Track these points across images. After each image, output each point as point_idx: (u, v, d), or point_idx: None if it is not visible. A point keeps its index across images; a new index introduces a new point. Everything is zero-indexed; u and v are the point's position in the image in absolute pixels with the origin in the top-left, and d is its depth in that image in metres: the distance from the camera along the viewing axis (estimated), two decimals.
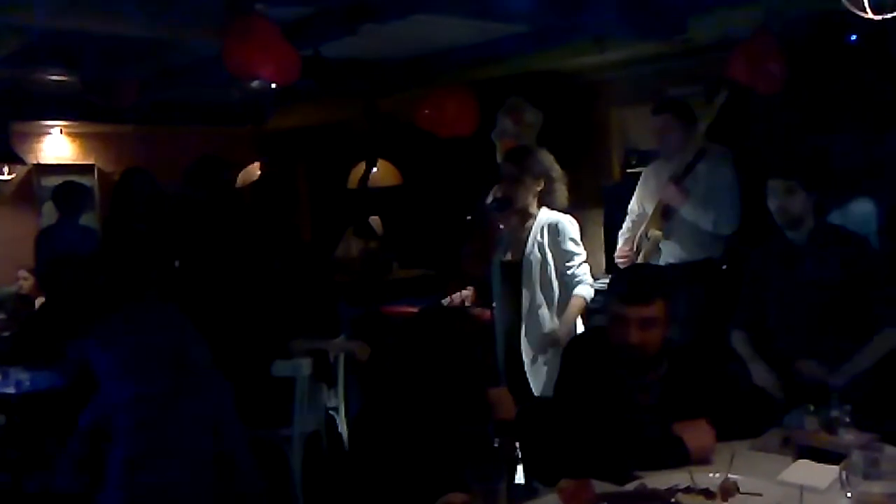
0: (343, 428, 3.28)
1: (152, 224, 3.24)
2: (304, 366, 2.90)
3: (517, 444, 1.72)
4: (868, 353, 2.24)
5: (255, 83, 2.91)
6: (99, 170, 5.59)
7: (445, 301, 3.24)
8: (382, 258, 4.67)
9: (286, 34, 2.78)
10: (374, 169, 4.98)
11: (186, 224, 3.18)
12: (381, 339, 3.45)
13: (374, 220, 4.88)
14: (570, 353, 2.04)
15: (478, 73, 4.04)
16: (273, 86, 3.00)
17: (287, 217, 3.34)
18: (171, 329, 2.17)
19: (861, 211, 3.17)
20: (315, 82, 3.34)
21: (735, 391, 1.97)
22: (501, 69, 4.00)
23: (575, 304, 2.78)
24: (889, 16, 1.94)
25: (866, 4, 1.93)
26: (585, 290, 2.77)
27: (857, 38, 3.04)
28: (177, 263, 3.12)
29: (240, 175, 3.95)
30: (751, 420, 1.88)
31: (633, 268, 2.31)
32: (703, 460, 1.70)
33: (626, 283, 1.91)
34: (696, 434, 1.73)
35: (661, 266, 2.63)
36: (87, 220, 4.78)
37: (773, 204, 2.37)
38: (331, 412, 3.29)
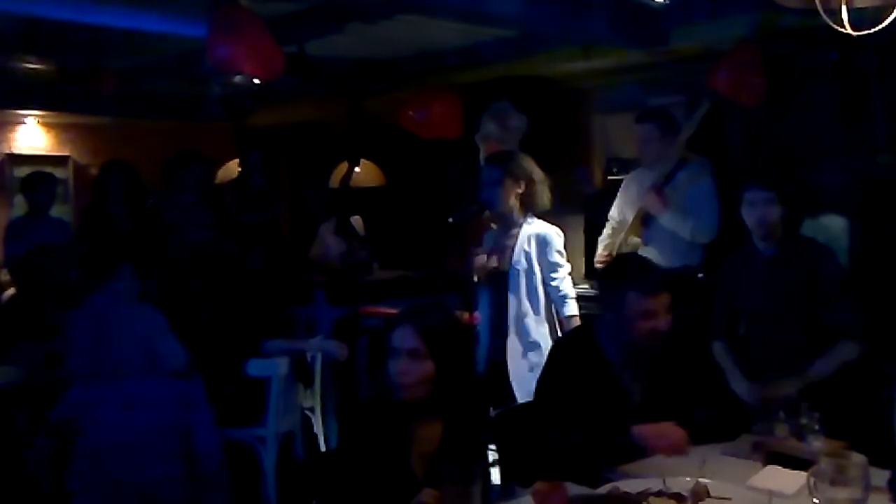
0: (319, 428, 3.26)
1: (131, 218, 3.20)
2: (280, 365, 2.88)
3: (492, 447, 1.73)
4: (824, 363, 2.27)
5: (237, 78, 2.88)
6: (74, 161, 5.48)
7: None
8: (363, 258, 4.65)
9: (271, 30, 2.76)
10: (357, 169, 4.96)
11: (163, 220, 3.15)
12: (360, 339, 3.45)
13: (356, 220, 4.86)
14: (556, 354, 2.05)
15: (464, 75, 4.05)
16: (256, 82, 2.97)
17: (267, 215, 3.31)
18: (143, 326, 2.14)
19: (834, 226, 3.23)
20: (299, 80, 3.32)
21: (713, 396, 1.99)
22: (487, 73, 4.01)
23: (568, 326, 2.77)
24: (867, 32, 1.98)
25: (845, 21, 1.97)
26: (573, 307, 2.78)
27: (836, 54, 3.10)
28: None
29: (219, 171, 3.91)
30: (726, 424, 1.91)
31: (629, 262, 2.25)
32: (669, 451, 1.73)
33: (644, 277, 1.93)
34: (661, 433, 1.76)
35: (641, 256, 2.65)
36: (61, 212, 4.70)
37: (750, 214, 2.41)
38: (307, 412, 3.27)
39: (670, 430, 1.77)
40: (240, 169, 4.09)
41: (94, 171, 3.59)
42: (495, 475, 1.87)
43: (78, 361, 2.20)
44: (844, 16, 1.95)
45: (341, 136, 5.23)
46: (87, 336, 2.14)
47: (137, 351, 2.12)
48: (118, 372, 2.11)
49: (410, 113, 4.09)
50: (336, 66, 4.02)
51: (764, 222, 2.37)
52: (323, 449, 3.18)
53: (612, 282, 2.00)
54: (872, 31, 1.97)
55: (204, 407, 2.22)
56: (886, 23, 1.95)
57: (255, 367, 2.86)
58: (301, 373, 3.13)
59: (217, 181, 3.57)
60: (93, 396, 2.12)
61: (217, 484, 2.17)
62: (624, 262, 2.30)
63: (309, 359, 3.21)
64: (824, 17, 1.98)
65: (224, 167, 4.30)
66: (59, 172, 5.02)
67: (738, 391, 2.36)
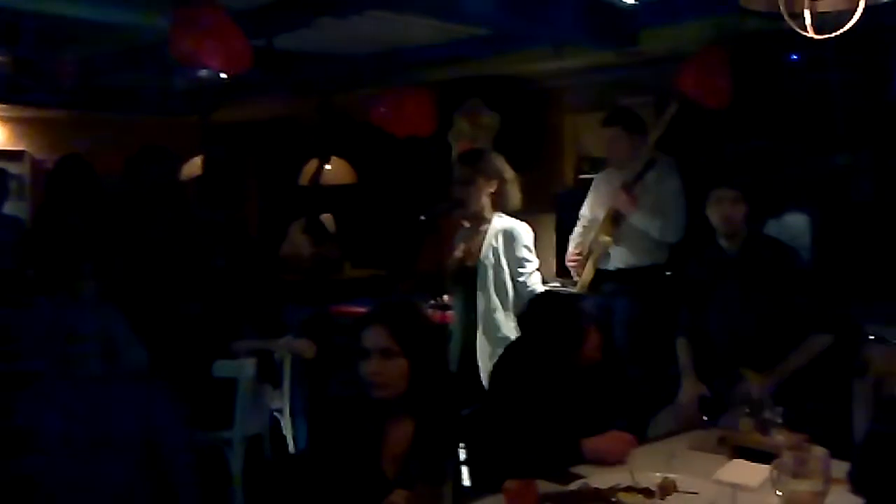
0: (288, 430, 3.21)
1: (88, 215, 3.10)
2: (248, 366, 2.83)
3: (462, 446, 1.73)
4: (795, 358, 2.33)
5: (202, 72, 2.80)
6: (30, 156, 5.30)
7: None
8: (333, 257, 4.61)
9: (239, 23, 2.71)
10: (327, 166, 4.90)
11: (125, 217, 3.06)
12: (330, 339, 3.40)
13: (327, 218, 4.81)
14: (505, 361, 2.08)
15: (436, 73, 4.04)
16: (222, 76, 2.91)
17: (232, 213, 3.24)
18: (102, 326, 2.08)
19: (796, 223, 3.31)
20: (267, 74, 3.27)
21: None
22: (460, 71, 4.01)
23: None
24: (829, 36, 2.03)
25: (808, 24, 2.01)
26: None
27: (799, 57, 3.17)
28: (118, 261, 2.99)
29: (184, 168, 3.81)
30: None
31: (558, 302, 2.27)
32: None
33: (573, 320, 2.03)
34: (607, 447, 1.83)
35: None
36: (17, 208, 4.54)
37: (715, 213, 2.45)
38: (275, 414, 3.22)
39: (616, 441, 1.84)
40: (205, 165, 3.99)
41: (51, 166, 3.47)
42: (465, 475, 1.87)
43: (33, 363, 2.12)
44: (807, 20, 2.00)
45: (311, 133, 5.17)
46: (43, 337, 2.07)
47: (96, 352, 2.05)
48: (76, 374, 2.04)
49: (382, 110, 4.07)
50: (306, 61, 3.97)
51: (728, 220, 2.42)
52: (292, 451, 3.14)
53: (569, 321, 2.04)
54: (834, 34, 2.03)
55: (168, 410, 2.17)
56: (847, 27, 2.01)
57: (222, 369, 2.80)
58: (269, 374, 3.08)
59: (181, 178, 3.48)
60: (49, 400, 2.06)
61: (184, 488, 2.12)
62: (569, 301, 2.32)
63: (277, 359, 3.16)
64: (788, 20, 2.03)
65: (188, 163, 4.20)
66: (14, 168, 4.86)
67: (682, 390, 2.41)
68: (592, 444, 1.82)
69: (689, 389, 2.40)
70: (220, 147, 4.56)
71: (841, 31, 2.01)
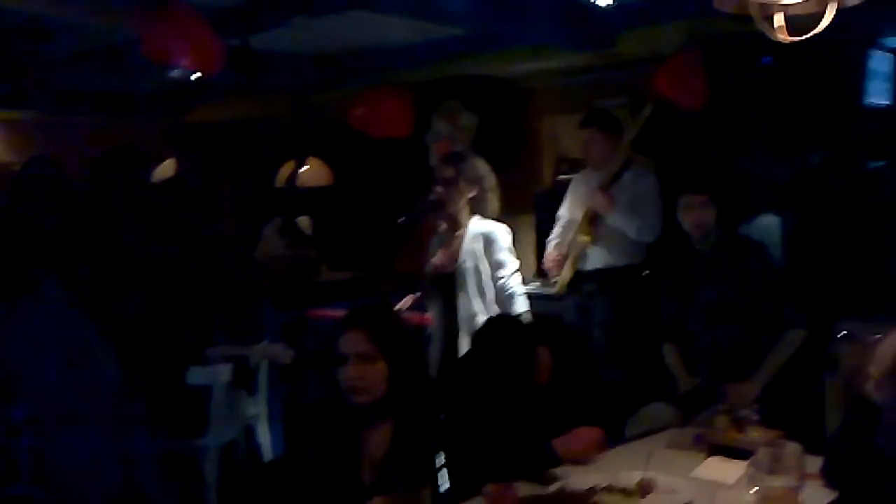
0: (265, 437, 3.16)
1: (55, 219, 3.02)
2: (222, 373, 2.78)
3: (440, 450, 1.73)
4: (775, 358, 2.37)
5: (174, 72, 2.75)
6: None
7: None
8: (310, 260, 4.55)
9: (213, 22, 2.67)
10: (304, 167, 4.85)
11: (94, 221, 2.98)
12: (308, 343, 3.37)
13: (303, 221, 4.75)
14: (458, 373, 2.11)
15: (414, 73, 4.02)
16: (195, 76, 2.86)
17: (205, 216, 3.18)
18: (70, 334, 2.02)
19: (767, 223, 3.37)
20: (242, 74, 3.22)
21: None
22: (438, 71, 4.00)
23: None
24: (799, 39, 2.07)
25: (779, 26, 2.05)
26: (522, 304, 2.78)
27: (771, 59, 3.23)
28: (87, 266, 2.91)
29: (156, 170, 3.73)
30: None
31: (508, 327, 2.36)
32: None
33: (522, 348, 2.10)
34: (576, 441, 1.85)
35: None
36: None
37: (686, 218, 2.48)
38: (251, 421, 3.16)
39: (584, 436, 1.86)
40: (177, 168, 3.92)
41: (16, 168, 3.36)
42: (444, 479, 1.87)
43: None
44: (779, 22, 2.03)
45: (287, 134, 5.11)
46: (8, 346, 2.00)
47: (64, 361, 2.00)
48: (42, 384, 1.99)
49: (359, 111, 4.04)
50: (283, 61, 3.92)
51: (699, 225, 2.44)
52: (267, 459, 3.09)
53: (519, 344, 2.09)
54: (805, 37, 2.07)
55: (140, 419, 2.12)
56: (818, 30, 2.04)
57: (195, 376, 2.75)
58: (244, 380, 3.03)
59: (153, 180, 3.41)
60: (14, 413, 1.99)
61: (155, 499, 2.08)
62: (519, 325, 2.37)
63: (252, 365, 3.11)
64: (759, 23, 2.06)
65: (161, 166, 4.12)
66: None
67: (681, 384, 2.43)
68: (561, 443, 1.83)
69: (688, 385, 2.41)
70: (194, 149, 4.47)
71: (811, 33, 2.06)
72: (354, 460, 1.61)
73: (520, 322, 2.58)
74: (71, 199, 3.07)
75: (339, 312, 3.65)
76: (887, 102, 3.33)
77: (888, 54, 3.32)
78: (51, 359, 1.97)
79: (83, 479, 1.95)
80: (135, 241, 2.88)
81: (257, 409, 3.16)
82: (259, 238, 4.56)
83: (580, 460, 1.80)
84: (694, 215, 2.43)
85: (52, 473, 1.94)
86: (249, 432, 3.12)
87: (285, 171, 4.88)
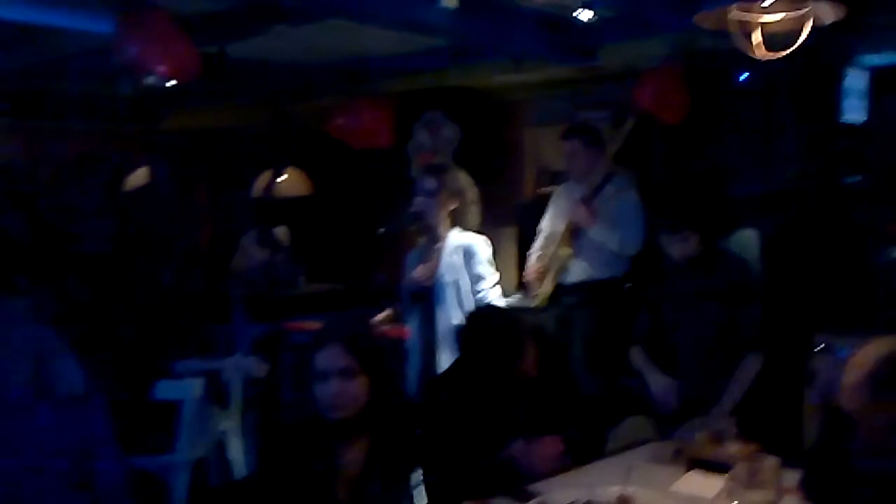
0: (237, 454, 3.08)
1: (22, 226, 2.95)
2: (193, 387, 2.71)
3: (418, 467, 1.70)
4: (737, 385, 2.32)
5: (148, 79, 2.70)
6: None
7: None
8: (287, 271, 4.49)
9: (189, 29, 2.63)
10: (282, 177, 4.80)
11: (63, 230, 2.92)
12: (284, 357, 3.31)
13: (281, 231, 4.69)
14: (434, 388, 2.08)
15: (396, 84, 4.01)
16: (171, 83, 2.81)
17: (179, 226, 3.12)
18: (34, 345, 1.96)
19: (745, 237, 3.39)
20: (218, 82, 3.18)
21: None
22: (419, 82, 4.00)
23: None
24: (775, 56, 2.10)
25: (757, 43, 2.07)
26: None
27: (750, 76, 3.27)
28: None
29: (128, 179, 3.65)
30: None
31: (494, 316, 2.29)
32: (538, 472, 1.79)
33: (510, 337, 2.02)
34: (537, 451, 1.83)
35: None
36: None
37: (668, 249, 2.46)
38: (222, 436, 3.09)
39: (547, 447, 1.84)
40: (150, 176, 3.85)
41: None
42: (420, 496, 1.84)
43: None
44: (758, 39, 2.06)
45: (266, 143, 5.06)
46: None
47: (28, 374, 1.93)
48: (4, 397, 1.92)
49: (340, 121, 4.02)
50: (261, 70, 3.89)
51: (682, 256, 2.43)
52: (239, 475, 3.02)
53: (508, 335, 2.04)
54: (782, 54, 2.10)
55: (106, 434, 2.05)
56: (794, 47, 2.08)
57: (165, 390, 2.68)
58: (216, 394, 2.96)
59: (125, 189, 3.34)
60: None
61: None
62: (507, 315, 2.30)
63: (225, 379, 3.05)
64: (738, 39, 2.09)
65: (133, 174, 4.04)
66: None
67: (655, 389, 2.41)
68: (522, 452, 1.81)
69: (660, 381, 2.39)
70: (167, 157, 4.37)
71: (788, 50, 2.09)
72: (329, 477, 1.58)
73: (507, 310, 2.56)
74: (39, 206, 3.01)
75: (316, 325, 3.61)
76: (863, 119, 3.40)
77: (863, 72, 3.39)
78: (10, 365, 1.91)
79: (45, 497, 1.89)
80: (103, 251, 2.82)
81: (229, 425, 3.09)
82: (235, 249, 4.50)
83: (541, 472, 1.78)
84: (675, 248, 2.42)
85: (9, 493, 1.87)
86: (221, 448, 3.04)
87: (263, 180, 4.82)
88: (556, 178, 3.89)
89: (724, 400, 2.30)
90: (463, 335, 2.16)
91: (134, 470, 2.23)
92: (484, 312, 2.37)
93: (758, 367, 2.35)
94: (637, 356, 2.52)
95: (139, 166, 4.09)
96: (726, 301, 2.41)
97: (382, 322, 3.08)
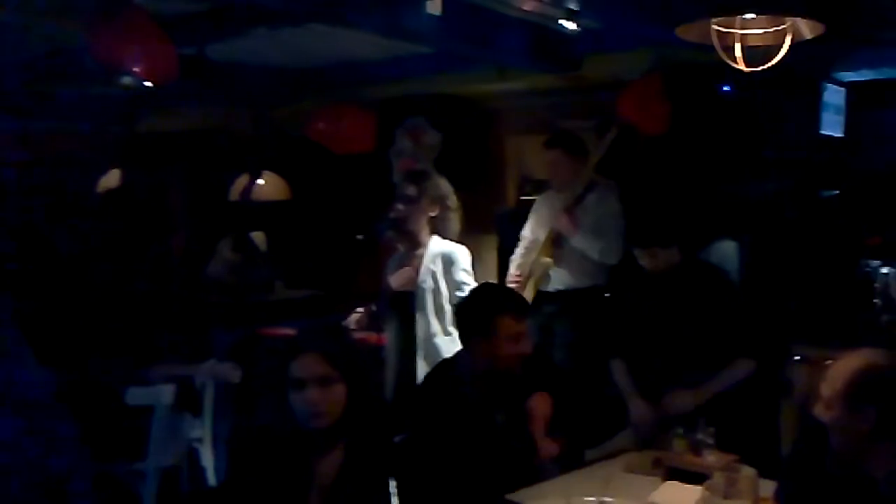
0: (208, 462, 3.01)
1: None
2: (165, 393, 2.65)
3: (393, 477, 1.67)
4: (718, 381, 2.33)
5: (125, 80, 2.65)
6: None
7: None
8: (263, 276, 4.42)
9: (168, 30, 2.58)
10: (260, 181, 4.73)
11: (32, 232, 2.84)
12: (259, 363, 3.24)
13: (258, 236, 4.62)
14: (416, 397, 2.06)
15: (377, 90, 3.99)
16: (148, 84, 2.75)
17: (153, 230, 3.05)
18: None
19: (724, 249, 3.42)
20: (196, 84, 3.13)
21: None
22: (402, 88, 3.98)
23: None
24: (759, 68, 2.12)
25: (738, 57, 2.09)
26: None
27: (730, 88, 3.31)
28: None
29: (101, 181, 3.57)
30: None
31: (495, 289, 2.42)
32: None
33: (514, 302, 2.13)
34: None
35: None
36: None
37: (646, 263, 2.45)
38: (194, 444, 3.01)
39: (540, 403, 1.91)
40: (123, 177, 3.78)
41: None
42: None
43: None
44: (738, 53, 2.08)
45: (244, 146, 4.99)
46: None
47: None
48: None
49: (321, 125, 3.98)
50: (241, 73, 3.84)
51: (653, 269, 2.43)
52: (211, 484, 2.95)
53: (481, 308, 2.09)
54: (763, 67, 2.12)
55: (72, 442, 1.98)
56: (775, 60, 2.10)
57: (136, 396, 2.61)
58: (189, 401, 2.90)
59: (98, 191, 3.27)
60: None
61: None
62: (490, 289, 2.38)
63: (198, 385, 2.98)
64: (720, 52, 2.11)
65: (106, 176, 3.95)
66: None
67: (633, 410, 2.40)
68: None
69: (640, 407, 2.38)
70: (142, 159, 4.29)
71: (769, 63, 2.11)
72: (303, 487, 1.54)
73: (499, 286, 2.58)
74: (7, 207, 2.92)
75: (291, 331, 3.55)
76: (840, 134, 3.45)
77: (841, 88, 3.44)
78: None
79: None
80: (73, 254, 2.75)
81: (201, 432, 3.01)
82: (212, 253, 4.42)
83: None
84: (654, 262, 2.42)
85: None
86: (192, 456, 2.97)
87: (240, 184, 4.75)
88: (538, 186, 3.89)
89: (703, 387, 2.27)
90: (460, 311, 2.20)
91: (103, 477, 2.16)
92: (490, 286, 2.47)
93: (748, 371, 2.35)
94: (618, 370, 2.51)
95: (112, 168, 4.02)
96: (704, 312, 2.41)
97: (358, 323, 3.04)
